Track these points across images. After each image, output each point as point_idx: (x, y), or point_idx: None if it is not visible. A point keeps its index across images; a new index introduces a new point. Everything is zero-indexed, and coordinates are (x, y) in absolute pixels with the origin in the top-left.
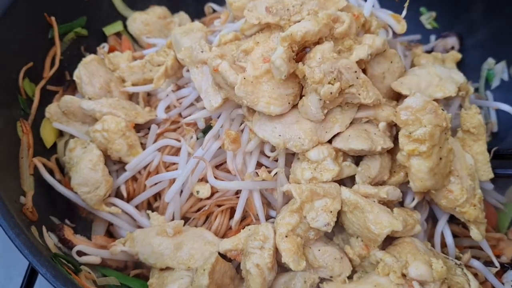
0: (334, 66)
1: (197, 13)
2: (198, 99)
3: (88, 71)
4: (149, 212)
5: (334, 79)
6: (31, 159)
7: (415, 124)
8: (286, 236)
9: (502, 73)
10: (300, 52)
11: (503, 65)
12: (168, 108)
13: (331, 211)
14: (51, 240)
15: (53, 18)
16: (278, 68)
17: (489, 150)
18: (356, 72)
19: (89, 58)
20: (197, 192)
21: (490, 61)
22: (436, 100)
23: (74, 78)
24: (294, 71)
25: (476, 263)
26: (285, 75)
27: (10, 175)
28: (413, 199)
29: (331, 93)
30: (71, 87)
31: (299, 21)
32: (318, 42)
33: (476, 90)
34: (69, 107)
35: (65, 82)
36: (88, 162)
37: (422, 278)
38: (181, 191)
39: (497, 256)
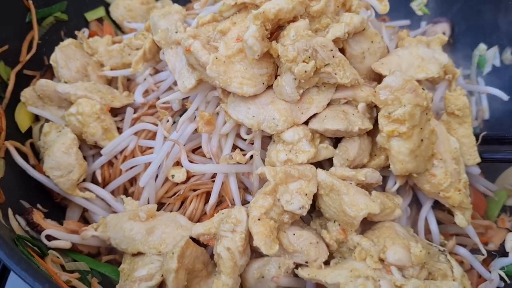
0: (309, 44)
1: None
2: (176, 82)
3: (65, 54)
4: (123, 197)
5: (309, 57)
6: (2, 142)
7: (395, 104)
8: (259, 219)
9: (493, 59)
10: (276, 31)
11: (494, 51)
12: (146, 93)
13: (306, 194)
14: (16, 222)
15: (30, 2)
16: (250, 47)
17: (478, 136)
18: (332, 50)
19: (67, 42)
20: (172, 176)
21: (482, 47)
22: (419, 81)
23: (51, 62)
24: (268, 51)
25: (462, 251)
26: (258, 54)
27: None
28: (395, 183)
29: (305, 71)
30: (49, 72)
31: None
32: (293, 20)
33: (468, 76)
34: (44, 90)
35: (43, 67)
36: (61, 145)
37: (400, 262)
38: (157, 176)
39: (485, 244)
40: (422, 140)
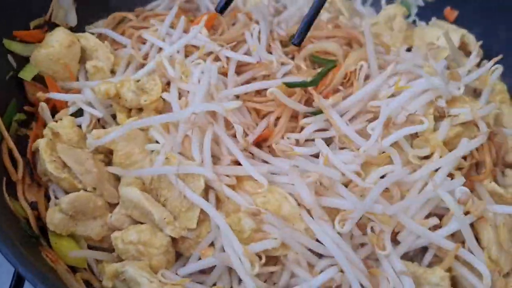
0: None
1: None
2: None
3: (71, 158)
4: None
5: None
6: None
7: None
8: None
9: (416, 1)
10: None
11: None
12: None
13: None
14: None
15: None
16: None
17: None
18: None
19: (60, 146)
20: None
21: None
22: None
23: (56, 174)
24: None
25: None
26: None
27: None
28: None
29: None
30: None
31: None
32: None
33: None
34: (76, 206)
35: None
36: None
37: None
38: None
39: None
40: None
